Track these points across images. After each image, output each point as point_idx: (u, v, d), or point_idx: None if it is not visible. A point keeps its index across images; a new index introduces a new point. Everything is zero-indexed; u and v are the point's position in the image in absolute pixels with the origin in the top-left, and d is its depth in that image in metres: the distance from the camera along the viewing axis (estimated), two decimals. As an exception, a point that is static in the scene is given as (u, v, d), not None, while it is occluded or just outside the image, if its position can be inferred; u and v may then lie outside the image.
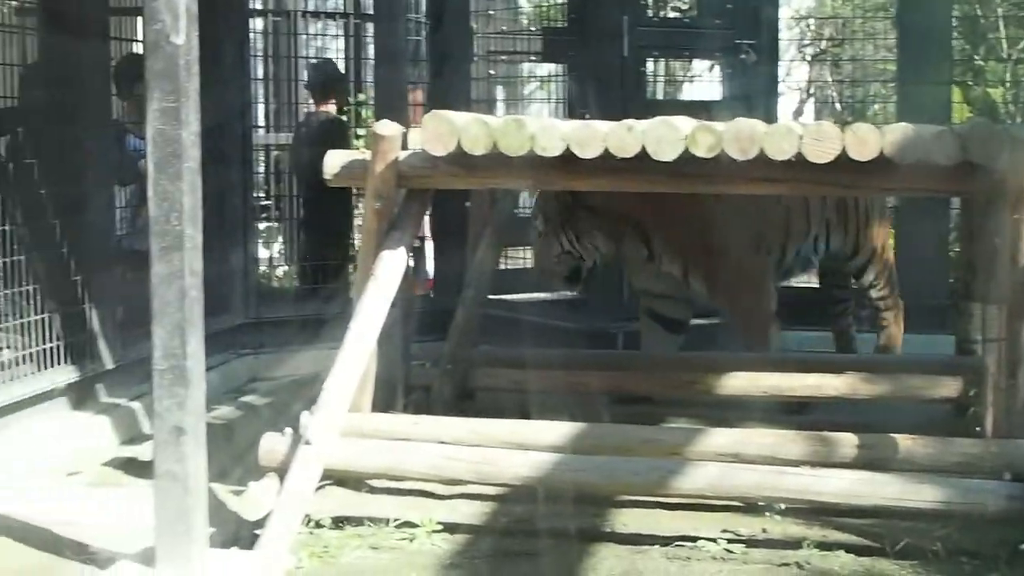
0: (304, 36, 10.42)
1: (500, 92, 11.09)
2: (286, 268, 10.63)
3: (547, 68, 10.83)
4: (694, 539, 5.32)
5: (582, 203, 7.38)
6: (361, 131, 10.62)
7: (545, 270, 7.72)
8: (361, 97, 10.91)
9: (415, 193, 6.08)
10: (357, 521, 5.53)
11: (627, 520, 5.56)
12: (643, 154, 5.49)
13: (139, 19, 7.84)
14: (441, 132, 5.59)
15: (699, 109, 8.09)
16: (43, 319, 6.68)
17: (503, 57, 10.39)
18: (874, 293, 8.35)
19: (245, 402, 7.91)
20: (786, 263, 8.00)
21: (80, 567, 5.11)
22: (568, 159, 5.57)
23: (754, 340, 7.69)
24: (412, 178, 5.90)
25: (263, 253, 10.15)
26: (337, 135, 9.08)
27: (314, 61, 10.29)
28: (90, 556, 5.21)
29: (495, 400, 6.85)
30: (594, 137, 5.51)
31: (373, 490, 5.92)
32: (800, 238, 7.98)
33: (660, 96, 10.60)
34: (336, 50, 10.78)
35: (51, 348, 6.73)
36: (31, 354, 6.61)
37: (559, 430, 5.83)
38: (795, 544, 5.28)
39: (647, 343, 8.07)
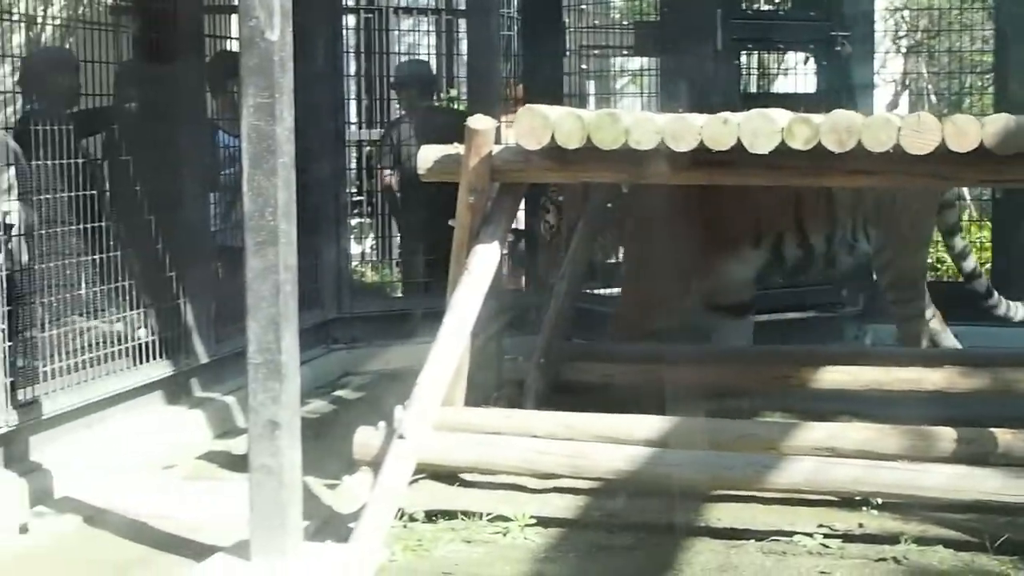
0: (396, 32, 10.42)
1: (592, 87, 11.03)
2: (378, 263, 10.65)
3: (639, 62, 10.75)
4: (790, 534, 5.28)
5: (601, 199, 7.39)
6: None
7: (551, 264, 7.74)
8: (452, 93, 10.94)
9: (508, 187, 6.07)
10: (450, 515, 5.54)
11: (722, 515, 5.53)
12: (738, 147, 5.44)
13: (233, 16, 7.93)
14: (535, 126, 5.57)
15: (793, 102, 8.02)
16: (138, 314, 6.74)
17: (595, 51, 10.34)
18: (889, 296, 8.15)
19: (338, 396, 7.96)
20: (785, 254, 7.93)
21: (177, 560, 5.15)
22: (662, 152, 5.53)
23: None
24: (506, 172, 5.89)
25: (355, 249, 10.18)
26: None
27: (405, 60, 10.30)
28: (186, 549, 5.26)
29: (588, 394, 6.83)
30: (689, 130, 5.47)
31: (466, 484, 5.93)
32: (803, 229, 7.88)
33: (753, 89, 10.48)
34: (428, 46, 10.78)
35: (146, 343, 6.79)
36: (126, 349, 6.67)
37: (653, 424, 5.80)
38: (892, 539, 5.22)
39: (720, 336, 8.05)
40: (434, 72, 10.36)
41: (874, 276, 8.30)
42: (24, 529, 5.53)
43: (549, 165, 5.81)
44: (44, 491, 5.79)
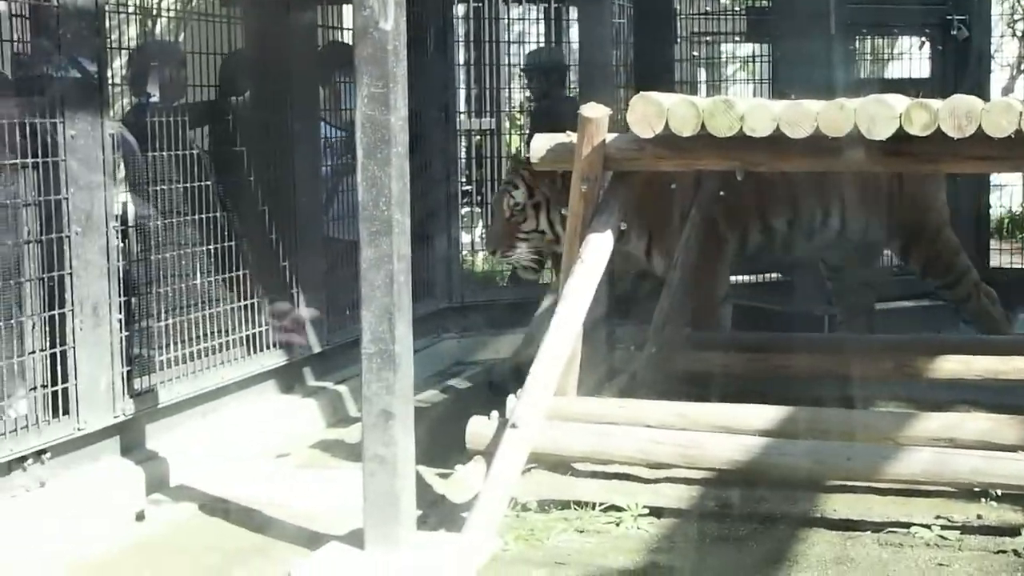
0: (505, 20, 10.40)
1: (702, 73, 10.95)
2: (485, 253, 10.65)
3: (750, 48, 10.66)
4: (907, 525, 5.21)
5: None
6: (562, 114, 10.61)
7: (504, 241, 7.39)
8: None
9: (622, 176, 6.03)
10: (563, 504, 5.52)
11: (837, 505, 5.46)
12: (855, 133, 5.36)
13: (346, 6, 7.95)
14: (649, 113, 5.53)
15: (908, 87, 7.90)
16: (252, 304, 6.79)
17: (707, 38, 10.27)
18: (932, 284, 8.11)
19: (449, 386, 7.97)
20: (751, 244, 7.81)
21: (291, 548, 5.18)
22: (777, 139, 5.46)
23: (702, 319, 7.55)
24: (619, 160, 5.85)
25: (464, 238, 10.19)
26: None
27: (537, 47, 10.29)
28: (300, 537, 5.28)
29: (700, 383, 6.78)
30: (805, 116, 5.40)
31: (578, 473, 5.91)
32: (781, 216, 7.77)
33: (866, 74, 10.35)
34: (537, 34, 10.75)
35: (260, 332, 6.84)
36: (241, 338, 6.72)
37: (767, 414, 5.74)
38: (1012, 531, 5.13)
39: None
40: (566, 60, 10.33)
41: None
42: (140, 516, 5.59)
43: (662, 153, 5.77)
44: (160, 479, 5.85)
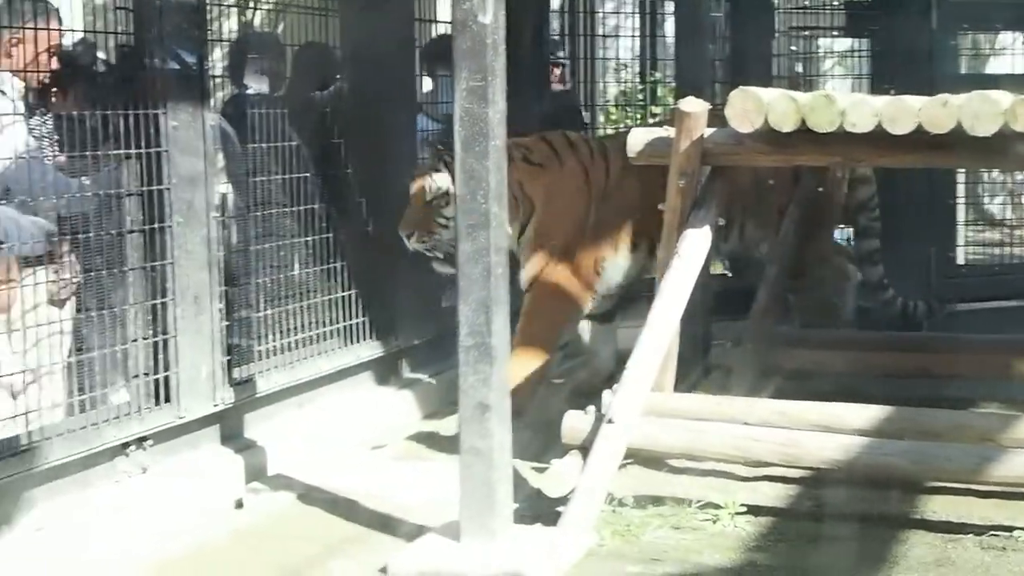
0: (600, 14, 10.38)
1: (799, 68, 10.85)
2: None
3: (849, 43, 10.56)
4: (1010, 529, 5.14)
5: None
6: (656, 109, 10.58)
7: (422, 225, 6.67)
8: (657, 75, 10.85)
9: (720, 171, 6.00)
10: (659, 501, 5.50)
11: (937, 507, 5.41)
12: (957, 130, 5.29)
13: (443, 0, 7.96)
14: (748, 108, 5.48)
15: (1010, 83, 7.78)
16: (349, 295, 6.82)
17: (805, 32, 10.17)
18: None
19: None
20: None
21: (387, 539, 5.21)
22: (878, 135, 5.39)
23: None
24: (717, 155, 5.81)
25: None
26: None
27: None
28: (396, 528, 5.31)
29: (797, 381, 6.72)
30: (907, 112, 5.33)
31: (674, 470, 5.89)
32: None
33: (967, 70, 10.22)
34: (632, 28, 10.71)
35: (356, 324, 6.87)
36: (337, 329, 6.76)
37: (866, 413, 5.66)
38: (1119, 537, 5.05)
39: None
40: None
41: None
42: (239, 505, 5.65)
43: (761, 148, 5.72)
44: (259, 468, 5.90)
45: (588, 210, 6.88)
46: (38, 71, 5.51)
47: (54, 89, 5.83)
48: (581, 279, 6.86)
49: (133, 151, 5.32)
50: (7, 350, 5.16)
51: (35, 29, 5.33)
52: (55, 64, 5.73)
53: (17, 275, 5.25)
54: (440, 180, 6.60)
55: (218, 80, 6.71)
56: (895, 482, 5.46)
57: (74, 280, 5.41)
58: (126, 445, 5.27)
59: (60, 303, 5.34)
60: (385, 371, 7.16)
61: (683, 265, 5.72)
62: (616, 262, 6.97)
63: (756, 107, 5.48)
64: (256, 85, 7.00)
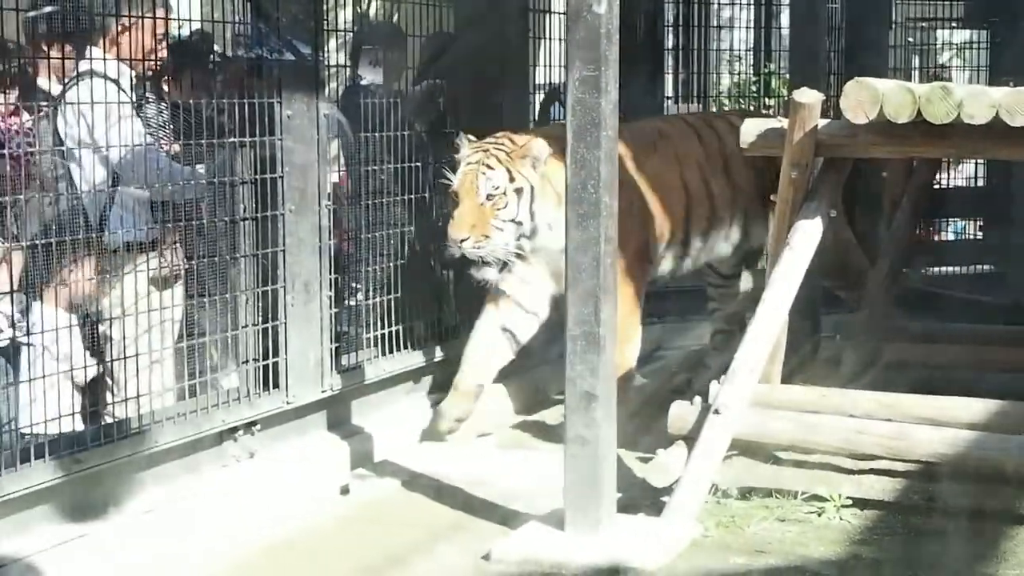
0: (714, 5, 10.32)
1: (915, 60, 10.73)
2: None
3: (967, 34, 10.42)
4: (1124, 526, 5.06)
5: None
6: (770, 101, 10.50)
7: (478, 228, 6.09)
8: (771, 67, 10.79)
9: (833, 162, 5.94)
10: (764, 492, 5.48)
11: (1050, 504, 5.33)
12: (1079, 122, 5.20)
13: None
14: (863, 99, 5.41)
15: None
16: (456, 285, 6.85)
17: (922, 24, 10.05)
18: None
19: (651, 370, 7.93)
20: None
21: (490, 526, 5.23)
22: (996, 128, 5.31)
23: None
24: (830, 147, 5.76)
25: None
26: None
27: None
28: (500, 516, 5.33)
29: (906, 374, 6.64)
30: (1027, 104, 5.25)
31: (779, 462, 5.86)
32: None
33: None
34: (747, 19, 10.66)
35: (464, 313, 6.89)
36: (444, 317, 6.80)
37: (976, 407, 5.59)
38: None
39: None
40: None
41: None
42: (345, 491, 5.70)
43: (875, 140, 5.65)
44: (364, 454, 5.95)
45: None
46: (151, 59, 5.57)
47: (170, 78, 5.93)
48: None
49: (247, 139, 5.38)
50: (80, 342, 5.26)
51: (142, 17, 5.39)
52: (169, 53, 5.81)
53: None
54: (496, 177, 6.14)
55: (332, 70, 6.76)
56: (1004, 477, 5.36)
57: (178, 266, 5.48)
58: (235, 430, 5.34)
59: (165, 288, 5.41)
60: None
61: (793, 257, 5.68)
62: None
63: (871, 98, 5.42)
64: (371, 75, 7.05)
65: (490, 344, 6.44)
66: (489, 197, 6.11)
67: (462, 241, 6.01)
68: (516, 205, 6.15)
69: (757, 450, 5.80)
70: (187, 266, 5.47)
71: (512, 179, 6.14)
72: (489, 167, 6.13)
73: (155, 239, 5.41)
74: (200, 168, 5.41)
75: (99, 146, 5.08)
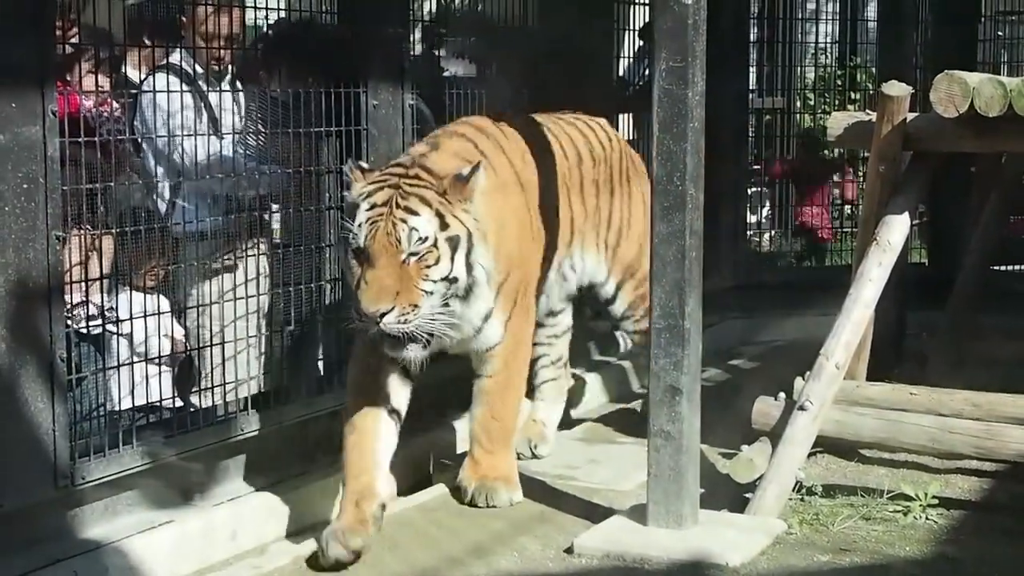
0: (800, -2, 10.26)
1: (1004, 54, 10.61)
2: (772, 233, 10.52)
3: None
4: None
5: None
6: (855, 95, 10.41)
7: (404, 296, 4.65)
8: (856, 60, 10.69)
9: (921, 156, 5.88)
10: (848, 490, 5.44)
11: None
12: None
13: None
14: (954, 92, 5.36)
15: None
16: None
17: (1012, 17, 9.94)
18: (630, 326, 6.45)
19: (733, 365, 7.92)
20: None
21: (572, 519, 5.22)
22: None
23: None
24: (918, 140, 5.70)
25: (751, 218, 10.08)
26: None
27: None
28: (582, 509, 5.31)
29: (994, 373, 6.56)
30: (1123, 98, 5.17)
31: (864, 459, 5.82)
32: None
33: None
34: (832, 12, 10.57)
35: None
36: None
37: (1068, 407, 5.52)
38: None
39: None
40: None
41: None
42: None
43: (965, 134, 5.60)
44: (446, 447, 5.98)
45: None
46: (229, 49, 5.58)
47: (254, 68, 5.94)
48: None
49: (333, 129, 5.39)
50: (179, 330, 5.30)
51: (231, 5, 5.42)
52: (257, 43, 5.84)
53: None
54: (423, 225, 4.71)
55: (417, 61, 6.78)
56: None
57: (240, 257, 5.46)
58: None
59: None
60: (573, 354, 7.14)
61: (880, 253, 5.63)
62: None
63: (962, 91, 5.36)
64: (454, 66, 7.06)
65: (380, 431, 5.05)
66: (414, 253, 4.70)
67: (383, 315, 4.58)
68: (450, 259, 4.77)
69: (842, 447, 5.76)
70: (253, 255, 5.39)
71: (445, 225, 4.77)
72: (411, 211, 4.72)
73: (217, 230, 5.33)
74: (267, 166, 5.39)
75: (161, 137, 5.10)
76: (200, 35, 5.34)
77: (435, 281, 4.73)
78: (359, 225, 4.68)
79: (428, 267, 4.71)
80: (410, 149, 5.20)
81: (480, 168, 4.85)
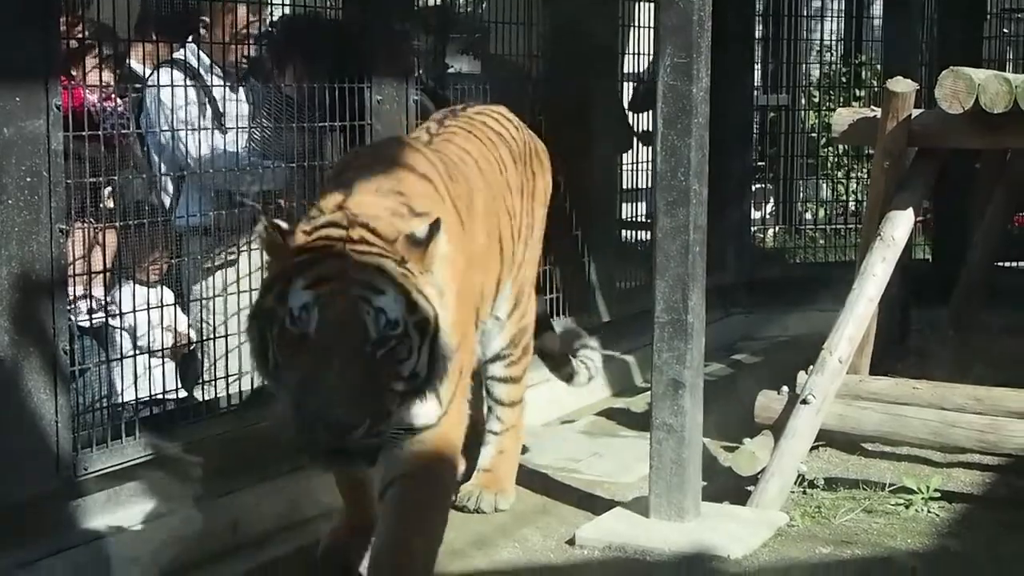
0: (805, -6, 10.23)
1: (1009, 51, 10.58)
2: (775, 230, 10.52)
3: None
4: None
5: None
6: (860, 92, 10.40)
7: (375, 405, 3.54)
8: (861, 57, 10.68)
9: (926, 153, 5.89)
10: (851, 483, 5.46)
11: None
12: None
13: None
14: (959, 89, 5.37)
15: None
16: (545, 270, 6.84)
17: (1018, 14, 9.92)
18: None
19: (735, 360, 7.92)
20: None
21: (574, 512, 5.23)
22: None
23: None
24: (924, 137, 5.71)
25: (755, 214, 10.08)
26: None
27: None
28: (584, 501, 5.33)
29: (997, 368, 6.56)
30: None
31: (866, 453, 5.84)
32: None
33: None
34: (837, 10, 10.56)
35: (551, 300, 6.88)
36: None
37: (1070, 401, 5.53)
38: None
39: None
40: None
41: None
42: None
43: (970, 130, 5.60)
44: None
45: None
46: (238, 44, 5.60)
47: (260, 63, 5.95)
48: None
49: (338, 124, 5.40)
50: (182, 322, 5.31)
51: (237, 1, 5.43)
52: (269, 36, 5.85)
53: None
54: (391, 307, 3.58)
55: (421, 56, 6.78)
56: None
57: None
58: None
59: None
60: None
61: (885, 248, 5.64)
62: None
63: (967, 88, 5.37)
64: (457, 63, 7.06)
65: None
66: (382, 342, 3.58)
67: (349, 429, 3.46)
68: (418, 350, 3.64)
69: (844, 441, 5.78)
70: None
71: (412, 306, 3.62)
72: (373, 288, 3.59)
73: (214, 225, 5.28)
74: (269, 160, 5.39)
75: (164, 131, 5.11)
76: (229, 35, 5.37)
77: (405, 379, 3.62)
78: (302, 307, 3.54)
79: (400, 361, 3.60)
80: (321, 198, 3.97)
81: (440, 228, 3.70)
